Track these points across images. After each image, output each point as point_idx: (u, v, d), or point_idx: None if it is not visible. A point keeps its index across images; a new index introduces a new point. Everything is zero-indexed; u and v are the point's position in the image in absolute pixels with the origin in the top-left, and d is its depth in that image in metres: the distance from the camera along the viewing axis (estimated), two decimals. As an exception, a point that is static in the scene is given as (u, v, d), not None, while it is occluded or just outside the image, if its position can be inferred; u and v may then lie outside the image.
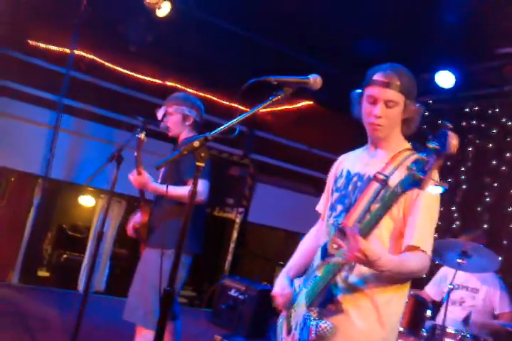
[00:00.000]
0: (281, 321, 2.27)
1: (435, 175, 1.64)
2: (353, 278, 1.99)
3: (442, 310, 3.80)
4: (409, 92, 2.04)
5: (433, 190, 1.61)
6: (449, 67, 5.95)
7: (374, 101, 2.04)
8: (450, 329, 3.70)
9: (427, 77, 6.19)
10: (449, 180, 5.86)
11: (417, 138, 2.13)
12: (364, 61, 6.19)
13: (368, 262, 1.75)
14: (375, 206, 1.84)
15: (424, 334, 3.72)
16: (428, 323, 3.80)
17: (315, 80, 1.95)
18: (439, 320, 3.87)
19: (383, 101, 2.02)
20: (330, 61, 6.55)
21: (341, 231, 1.85)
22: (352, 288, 1.98)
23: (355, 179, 2.12)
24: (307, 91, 2.09)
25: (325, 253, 2.00)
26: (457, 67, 5.95)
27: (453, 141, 1.53)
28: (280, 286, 2.25)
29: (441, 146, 1.54)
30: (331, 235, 2.03)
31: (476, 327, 3.97)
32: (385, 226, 1.99)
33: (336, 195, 2.18)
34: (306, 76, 1.96)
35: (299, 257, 2.39)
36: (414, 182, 1.62)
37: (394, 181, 1.85)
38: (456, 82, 5.95)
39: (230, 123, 1.90)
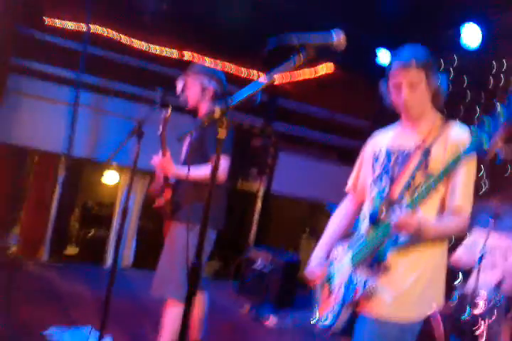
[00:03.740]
0: (318, 287, 2.34)
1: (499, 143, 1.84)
2: (400, 238, 2.08)
3: (473, 275, 3.74)
4: (427, 67, 2.14)
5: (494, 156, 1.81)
6: (475, 21, 5.65)
7: (398, 86, 2.17)
8: (481, 298, 3.65)
9: (451, 32, 5.92)
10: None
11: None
12: (386, 20, 5.95)
13: (414, 233, 1.97)
14: (421, 174, 2.06)
15: (455, 302, 3.68)
16: (459, 290, 3.75)
17: (338, 39, 1.79)
18: (469, 286, 3.81)
19: (406, 84, 2.14)
20: (351, 20, 6.29)
21: (387, 202, 2.11)
22: (399, 247, 2.08)
23: (396, 154, 2.24)
24: (327, 54, 1.98)
25: (374, 219, 2.13)
26: (484, 21, 5.65)
27: None
28: (315, 264, 2.37)
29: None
30: (377, 205, 2.17)
31: (507, 292, 3.90)
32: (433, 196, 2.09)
33: (378, 171, 2.29)
34: (329, 31, 1.79)
35: (333, 232, 2.47)
36: (477, 148, 1.83)
37: (436, 151, 2.09)
38: (482, 37, 5.68)
39: (251, 91, 1.82)
